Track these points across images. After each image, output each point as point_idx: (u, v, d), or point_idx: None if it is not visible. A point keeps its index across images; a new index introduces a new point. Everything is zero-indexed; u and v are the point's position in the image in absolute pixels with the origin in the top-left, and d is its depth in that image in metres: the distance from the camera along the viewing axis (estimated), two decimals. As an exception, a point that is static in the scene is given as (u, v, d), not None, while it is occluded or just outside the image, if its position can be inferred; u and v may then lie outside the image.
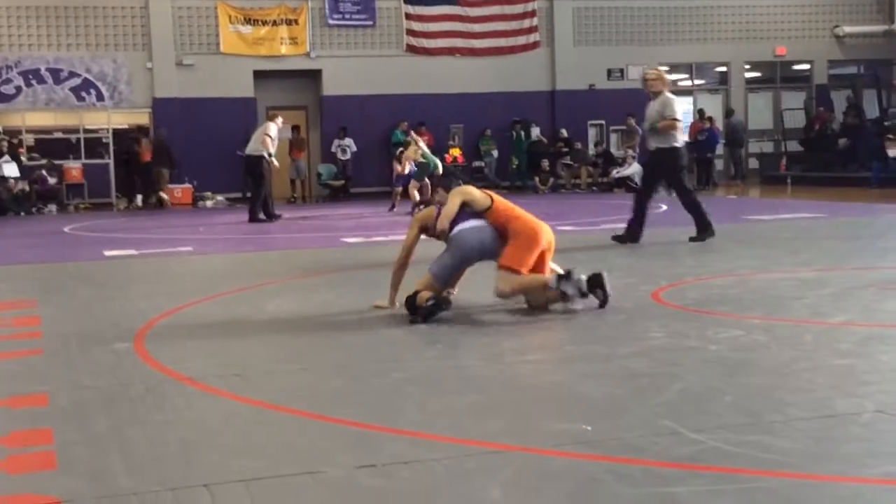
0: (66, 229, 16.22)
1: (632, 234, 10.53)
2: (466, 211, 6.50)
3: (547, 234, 6.47)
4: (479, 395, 4.34)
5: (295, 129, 23.23)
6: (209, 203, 22.61)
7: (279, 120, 16.73)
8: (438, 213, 6.59)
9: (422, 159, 16.29)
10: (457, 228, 6.44)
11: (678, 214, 15.64)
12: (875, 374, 4.47)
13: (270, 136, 16.06)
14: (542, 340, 5.55)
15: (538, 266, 6.48)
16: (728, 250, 9.85)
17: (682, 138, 10.43)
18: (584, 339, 5.66)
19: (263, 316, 6.69)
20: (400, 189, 18.12)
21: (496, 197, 6.62)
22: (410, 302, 6.20)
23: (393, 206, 18.09)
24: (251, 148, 16.31)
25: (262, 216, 16.24)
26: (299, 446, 3.69)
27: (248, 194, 17.84)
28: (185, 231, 15.21)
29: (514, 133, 24.44)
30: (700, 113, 23.80)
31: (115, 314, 6.95)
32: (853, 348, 5.05)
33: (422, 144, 17.77)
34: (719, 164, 25.41)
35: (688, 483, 3.12)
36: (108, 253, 11.67)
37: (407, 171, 17.53)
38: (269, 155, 16.15)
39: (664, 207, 17.30)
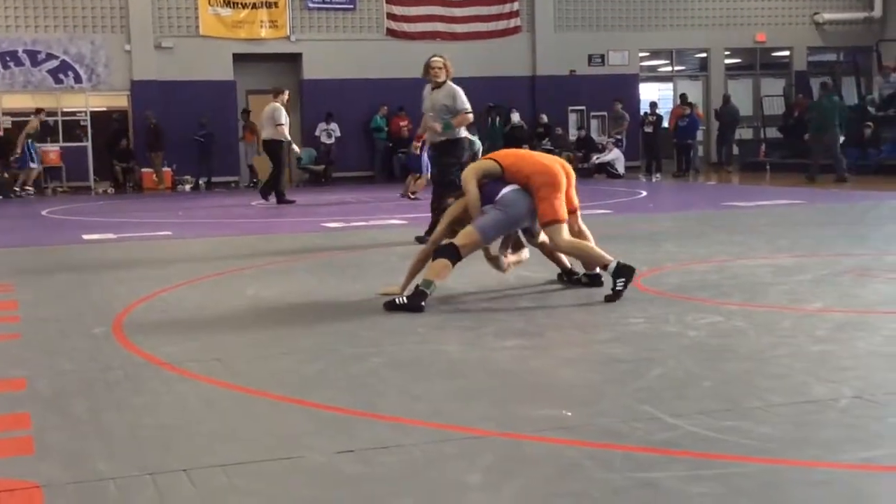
0: (43, 213, 16.12)
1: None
2: (487, 182, 6.33)
3: (562, 173, 6.34)
4: (459, 381, 4.35)
5: (245, 112, 23.11)
6: (188, 187, 22.54)
7: (284, 97, 16.50)
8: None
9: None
10: (501, 193, 6.24)
11: (659, 200, 15.71)
12: (852, 360, 4.50)
13: (283, 124, 16.10)
14: (522, 326, 5.55)
15: (567, 201, 6.44)
16: (707, 236, 9.89)
17: (465, 130, 9.76)
18: (564, 325, 5.68)
19: (243, 300, 6.67)
20: (419, 175, 16.73)
21: (498, 157, 6.49)
22: (447, 251, 6.12)
23: (412, 193, 16.56)
24: (266, 133, 16.38)
25: (272, 197, 16.39)
26: (278, 431, 3.68)
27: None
28: (165, 215, 15.14)
29: (490, 119, 24.23)
30: (682, 98, 23.80)
31: (94, 298, 6.92)
32: (831, 334, 5.08)
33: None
34: (699, 151, 25.44)
35: (667, 468, 3.13)
36: (86, 237, 11.60)
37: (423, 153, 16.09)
38: (289, 142, 16.32)
39: (643, 193, 17.36)
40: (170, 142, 22.31)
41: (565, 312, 5.98)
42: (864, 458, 3.20)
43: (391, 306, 6.00)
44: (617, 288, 6.13)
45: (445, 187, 9.58)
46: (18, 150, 21.00)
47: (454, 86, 9.53)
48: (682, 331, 5.25)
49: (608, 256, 6.24)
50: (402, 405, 3.96)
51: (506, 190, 6.26)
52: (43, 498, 3.02)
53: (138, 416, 3.89)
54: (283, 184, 16.65)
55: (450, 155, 9.59)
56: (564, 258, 6.84)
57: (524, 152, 6.78)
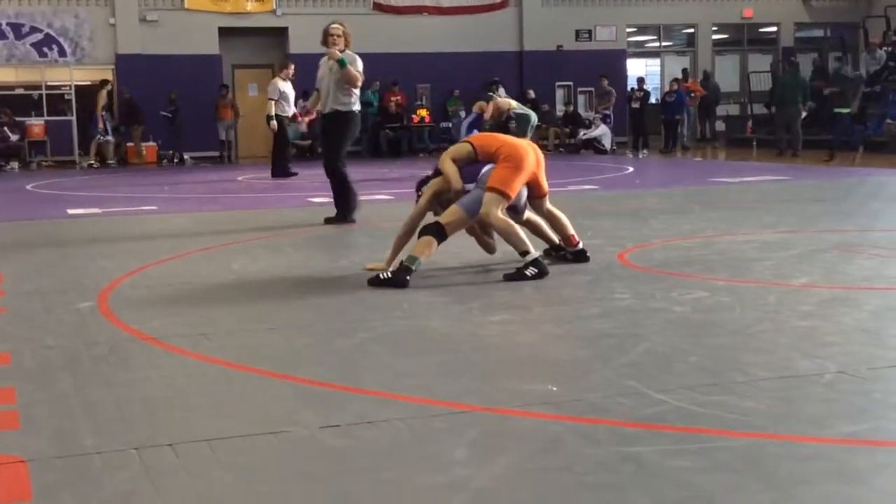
0: (28, 187, 16.03)
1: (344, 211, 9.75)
2: (462, 164, 6.38)
3: (531, 158, 6.35)
4: (445, 356, 4.35)
5: (223, 87, 22.89)
6: (175, 161, 22.43)
7: (287, 71, 16.36)
8: None
9: (518, 110, 13.58)
10: (481, 172, 6.30)
11: (646, 176, 15.71)
12: (837, 336, 4.52)
13: (272, 98, 15.95)
14: (508, 301, 5.56)
15: (535, 188, 6.51)
16: (693, 212, 9.90)
17: (357, 104, 9.64)
18: (550, 301, 5.69)
19: (229, 275, 6.66)
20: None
21: (470, 139, 6.57)
22: (432, 228, 6.15)
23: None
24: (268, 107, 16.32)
25: (279, 170, 16.38)
26: (264, 406, 3.68)
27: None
28: (150, 190, 15.08)
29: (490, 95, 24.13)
30: (684, 72, 23.83)
31: (79, 273, 6.89)
32: (815, 310, 5.10)
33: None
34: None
35: (651, 443, 3.14)
36: (71, 211, 11.56)
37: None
38: (271, 118, 15.91)
39: (630, 169, 17.36)
40: (153, 116, 22.14)
41: (551, 288, 5.98)
42: (848, 432, 3.22)
43: (376, 282, 6.00)
44: (525, 272, 6.10)
45: (333, 163, 9.69)
46: (101, 125, 21.51)
47: (351, 53, 9.39)
48: (668, 306, 5.27)
49: (531, 247, 6.24)
50: (388, 380, 3.97)
51: (486, 168, 6.30)
52: (28, 472, 3.01)
53: (124, 390, 3.89)
54: (279, 159, 16.47)
55: (337, 125, 9.51)
56: (552, 234, 6.85)
57: (498, 134, 6.74)
